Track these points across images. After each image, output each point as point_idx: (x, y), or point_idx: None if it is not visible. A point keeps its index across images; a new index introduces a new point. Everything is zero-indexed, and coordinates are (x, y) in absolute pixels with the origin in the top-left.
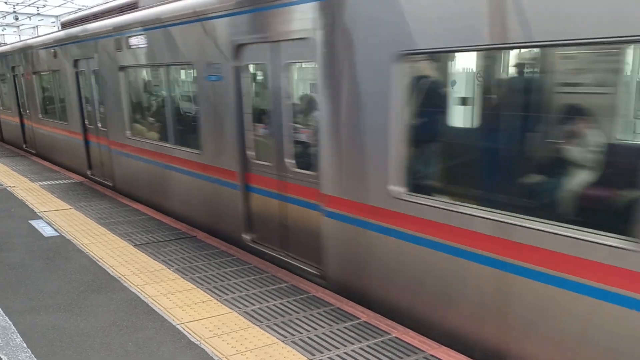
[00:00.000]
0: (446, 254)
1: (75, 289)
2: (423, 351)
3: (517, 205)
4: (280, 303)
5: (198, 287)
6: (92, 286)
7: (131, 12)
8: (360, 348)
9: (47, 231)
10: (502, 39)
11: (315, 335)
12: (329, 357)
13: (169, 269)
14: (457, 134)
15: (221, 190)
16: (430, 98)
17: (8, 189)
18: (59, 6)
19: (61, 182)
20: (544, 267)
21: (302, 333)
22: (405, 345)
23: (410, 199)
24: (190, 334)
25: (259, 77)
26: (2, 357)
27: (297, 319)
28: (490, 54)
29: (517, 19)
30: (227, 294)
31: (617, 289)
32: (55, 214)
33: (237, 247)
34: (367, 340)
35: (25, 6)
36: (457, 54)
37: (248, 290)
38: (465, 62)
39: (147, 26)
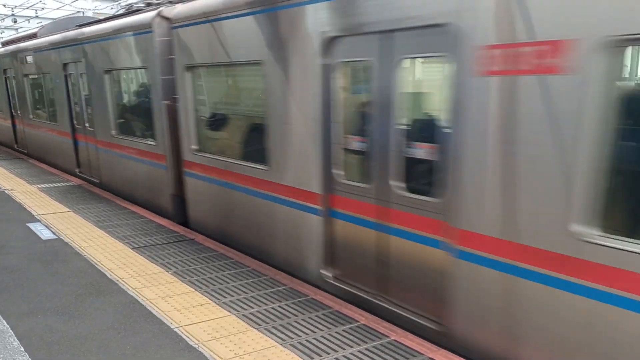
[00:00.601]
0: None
1: (73, 292)
2: (422, 354)
3: (144, 135)
4: (279, 306)
5: (196, 290)
6: (90, 289)
7: (33, 40)
8: (359, 351)
9: (45, 234)
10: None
11: (314, 338)
12: None
13: (167, 272)
14: (134, 106)
15: (67, 145)
16: (123, 90)
17: (6, 191)
18: (57, 9)
19: (59, 184)
20: (143, 157)
21: (300, 336)
22: (404, 348)
23: (118, 137)
24: (188, 337)
25: (73, 80)
26: None
27: (295, 321)
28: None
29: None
30: (226, 297)
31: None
32: (53, 217)
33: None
34: (366, 343)
35: (24, 9)
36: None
37: (246, 293)
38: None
39: (32, 50)
